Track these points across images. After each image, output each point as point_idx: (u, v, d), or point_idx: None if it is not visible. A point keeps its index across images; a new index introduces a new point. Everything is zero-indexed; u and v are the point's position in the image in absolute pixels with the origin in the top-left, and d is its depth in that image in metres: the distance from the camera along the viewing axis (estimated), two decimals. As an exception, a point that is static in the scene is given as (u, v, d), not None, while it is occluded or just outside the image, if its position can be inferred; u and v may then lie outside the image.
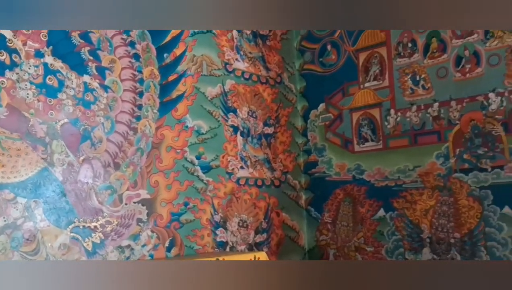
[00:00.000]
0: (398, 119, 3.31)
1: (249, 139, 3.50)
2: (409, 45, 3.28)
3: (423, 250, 3.17)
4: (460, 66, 3.04)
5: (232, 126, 3.40)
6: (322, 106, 3.75)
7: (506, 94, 2.84)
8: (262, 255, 2.84)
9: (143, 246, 2.80)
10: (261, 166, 3.55)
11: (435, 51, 3.16)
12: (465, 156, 2.99)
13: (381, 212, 3.38)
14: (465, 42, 3.02)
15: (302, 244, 3.77)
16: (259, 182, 3.52)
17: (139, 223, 2.80)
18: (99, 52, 2.72)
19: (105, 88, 2.73)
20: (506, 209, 2.82)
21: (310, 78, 3.85)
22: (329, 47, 3.74)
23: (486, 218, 2.89)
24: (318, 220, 3.74)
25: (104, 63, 2.74)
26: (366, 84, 3.50)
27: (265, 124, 3.62)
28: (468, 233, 2.97)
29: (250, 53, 3.60)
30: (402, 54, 3.31)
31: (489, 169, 2.89)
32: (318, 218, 3.74)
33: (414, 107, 3.23)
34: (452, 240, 3.04)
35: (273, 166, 3.63)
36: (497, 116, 2.87)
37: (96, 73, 2.70)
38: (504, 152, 2.83)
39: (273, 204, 3.59)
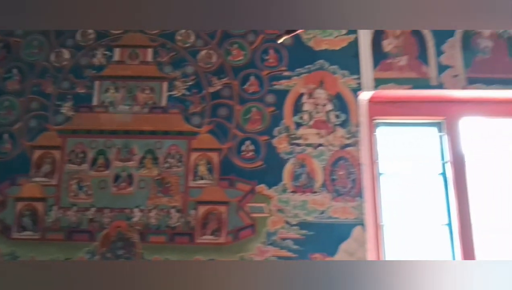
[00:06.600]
0: (60, 215, 3.83)
1: None
2: (81, 155, 3.94)
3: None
4: (118, 183, 3.88)
5: None
6: (-13, 190, 3.90)
7: (146, 211, 3.82)
8: None
9: None
10: None
11: (100, 166, 3.92)
12: (108, 255, 3.77)
13: (27, 297, 3.73)
14: (124, 165, 3.91)
15: None
16: None
17: None
18: None
19: None
20: (131, 299, 3.70)
21: (-21, 159, 3.96)
22: (6, 136, 3.99)
23: (116, 305, 3.69)
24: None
25: None
26: (36, 179, 3.91)
27: None
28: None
29: None
30: (73, 161, 3.93)
31: (124, 267, 3.74)
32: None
33: (75, 208, 3.84)
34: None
35: None
36: (136, 227, 3.80)
37: None
38: (137, 255, 3.75)
39: None
